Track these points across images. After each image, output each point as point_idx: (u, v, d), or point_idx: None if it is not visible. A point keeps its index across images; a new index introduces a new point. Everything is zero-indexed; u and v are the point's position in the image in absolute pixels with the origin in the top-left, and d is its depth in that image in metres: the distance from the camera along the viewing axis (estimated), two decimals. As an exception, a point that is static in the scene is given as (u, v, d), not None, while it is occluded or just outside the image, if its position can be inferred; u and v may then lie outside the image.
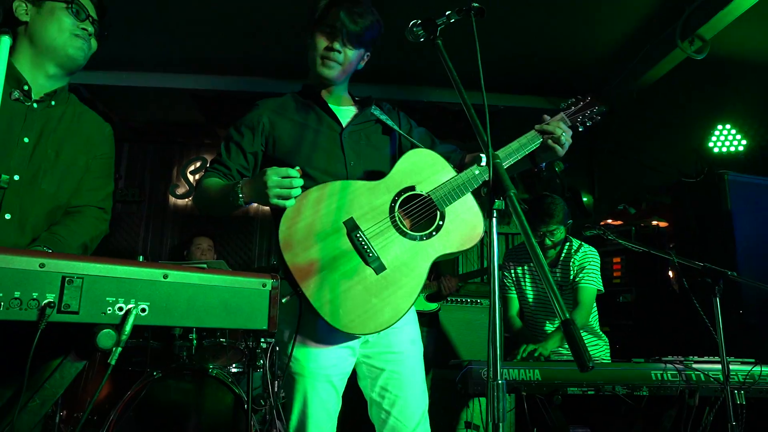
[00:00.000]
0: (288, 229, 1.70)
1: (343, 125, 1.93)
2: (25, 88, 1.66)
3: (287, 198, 1.61)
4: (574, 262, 3.15)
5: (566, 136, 1.89)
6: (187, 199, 6.10)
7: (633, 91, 4.56)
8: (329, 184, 1.76)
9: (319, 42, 1.86)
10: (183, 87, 4.91)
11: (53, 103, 1.73)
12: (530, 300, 3.27)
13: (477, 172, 1.81)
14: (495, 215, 1.25)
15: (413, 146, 1.93)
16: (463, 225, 1.82)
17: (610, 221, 6.53)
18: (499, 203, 1.25)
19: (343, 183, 1.78)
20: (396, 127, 2.00)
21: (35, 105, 1.68)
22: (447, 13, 1.61)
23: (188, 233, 5.84)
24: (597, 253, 3.19)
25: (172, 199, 6.09)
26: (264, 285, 1.23)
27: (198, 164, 6.15)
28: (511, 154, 1.87)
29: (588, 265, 3.13)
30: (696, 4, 3.56)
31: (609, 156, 5.67)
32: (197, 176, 6.12)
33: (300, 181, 1.60)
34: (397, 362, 1.83)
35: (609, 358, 3.12)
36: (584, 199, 5.69)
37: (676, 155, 4.95)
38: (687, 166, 4.81)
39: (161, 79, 4.86)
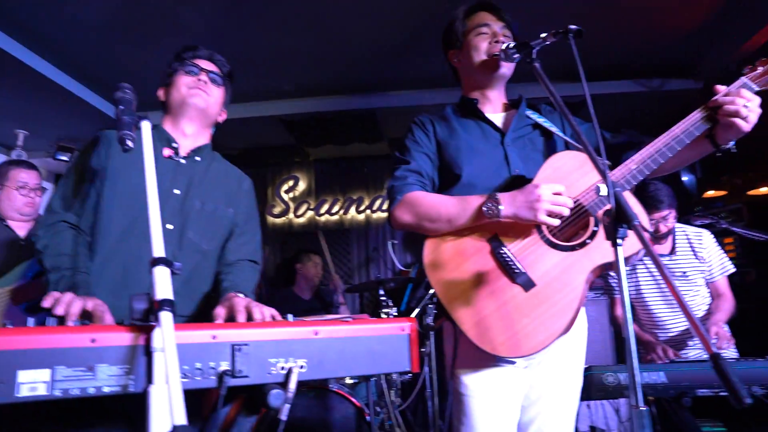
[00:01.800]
0: (433, 251, 1.73)
1: (504, 131, 1.89)
2: (174, 145, 1.87)
3: (558, 216, 1.57)
4: (696, 250, 3.04)
5: (752, 105, 1.56)
6: (283, 218, 6.38)
7: (731, 63, 4.29)
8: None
9: (480, 44, 1.88)
10: (273, 114, 5.16)
11: (198, 158, 1.91)
12: (643, 290, 3.14)
13: (633, 167, 1.65)
14: (620, 245, 1.25)
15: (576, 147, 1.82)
16: None
17: (712, 193, 6.19)
18: (622, 231, 1.25)
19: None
20: (554, 129, 1.89)
21: (183, 161, 1.88)
22: (542, 35, 1.58)
23: (288, 251, 6.12)
24: (712, 235, 3.09)
25: (270, 219, 6.40)
26: (403, 329, 1.30)
27: (291, 183, 6.43)
28: (672, 143, 1.65)
29: (714, 252, 3.02)
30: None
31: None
32: (288, 195, 6.39)
33: (570, 202, 1.55)
34: (562, 376, 1.77)
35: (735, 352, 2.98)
36: (684, 178, 5.42)
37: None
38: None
39: (253, 109, 5.12)
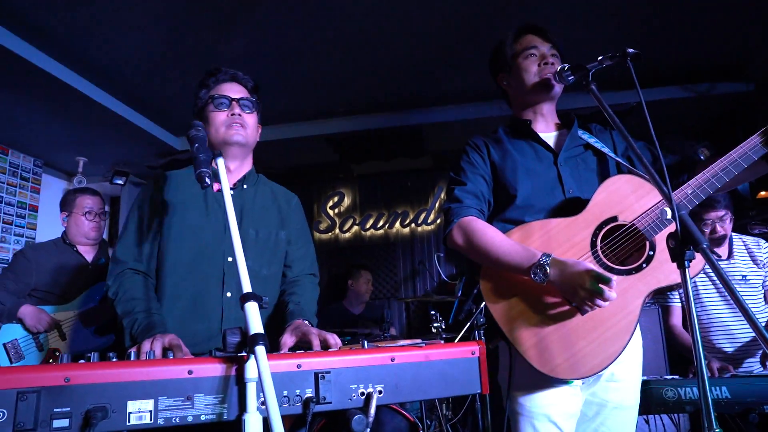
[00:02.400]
0: (490, 272, 1.77)
1: (556, 151, 1.91)
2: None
3: (594, 306, 1.58)
4: (755, 255, 2.99)
5: None
6: (330, 233, 6.50)
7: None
8: (527, 225, 1.77)
9: (530, 66, 1.92)
10: (317, 133, 5.29)
11: (245, 186, 1.97)
12: (704, 298, 3.06)
13: (689, 192, 1.66)
14: (688, 266, 1.27)
15: (630, 168, 1.84)
16: None
17: (764, 193, 6.00)
18: (690, 254, 1.27)
19: (541, 222, 1.77)
20: (606, 150, 1.91)
21: (231, 191, 1.87)
22: (599, 58, 1.59)
23: (336, 266, 6.22)
24: None
25: (317, 235, 6.52)
26: (473, 352, 1.34)
27: (336, 199, 6.54)
28: (729, 167, 1.65)
29: None
30: None
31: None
32: (333, 210, 6.50)
33: (614, 295, 1.54)
34: (620, 391, 1.77)
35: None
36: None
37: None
38: None
39: (297, 129, 5.26)
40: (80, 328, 3.12)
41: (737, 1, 3.71)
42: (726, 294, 2.94)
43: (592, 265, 1.61)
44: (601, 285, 1.53)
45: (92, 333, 3.11)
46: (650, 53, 4.22)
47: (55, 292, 3.18)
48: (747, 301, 2.89)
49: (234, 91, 1.95)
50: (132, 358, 1.17)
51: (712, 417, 1.17)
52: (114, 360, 1.07)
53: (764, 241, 3.05)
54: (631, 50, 1.51)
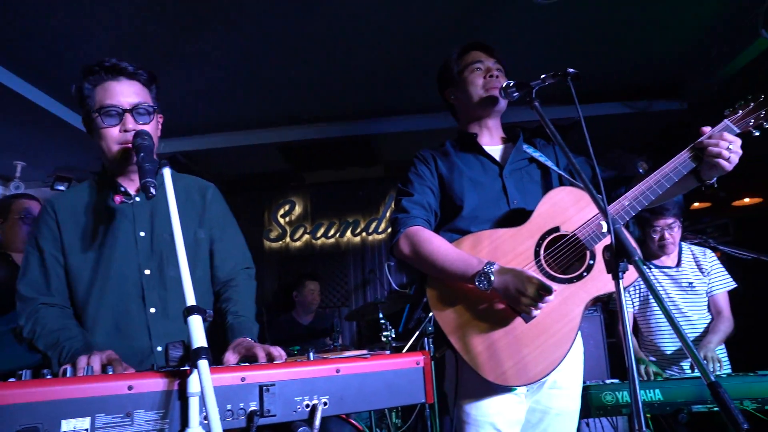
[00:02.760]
0: (436, 282, 1.80)
1: (502, 164, 1.97)
2: (122, 189, 1.76)
3: (534, 311, 1.64)
4: (701, 263, 3.14)
5: (734, 147, 1.66)
6: (280, 242, 6.44)
7: (713, 85, 4.44)
8: (473, 235, 1.81)
9: (476, 80, 1.98)
10: (270, 141, 5.25)
11: (153, 190, 1.72)
12: (652, 303, 3.20)
13: (626, 203, 1.74)
14: (621, 278, 1.33)
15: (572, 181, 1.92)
16: None
17: (697, 204, 6.32)
18: (623, 265, 1.33)
19: (487, 232, 1.81)
20: (549, 163, 1.98)
21: (137, 199, 1.76)
22: (542, 76, 1.67)
23: (286, 275, 6.16)
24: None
25: (267, 243, 6.44)
26: (418, 363, 1.36)
27: (287, 207, 6.49)
28: (662, 180, 1.73)
29: (717, 266, 3.13)
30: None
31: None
32: (284, 219, 6.46)
33: (551, 299, 1.61)
34: (562, 398, 1.82)
35: (729, 367, 3.06)
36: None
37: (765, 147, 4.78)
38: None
39: (250, 137, 5.20)
40: (11, 343, 2.97)
41: (674, 25, 3.92)
42: (673, 298, 3.10)
43: (535, 274, 1.66)
44: (541, 292, 1.58)
45: (26, 350, 2.97)
46: (592, 71, 4.41)
47: (-14, 304, 3.03)
48: (692, 307, 3.06)
49: (124, 93, 1.70)
50: (68, 375, 1.13)
51: (642, 418, 1.22)
52: (48, 377, 1.03)
53: (710, 251, 3.20)
54: (571, 70, 1.58)
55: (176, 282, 1.70)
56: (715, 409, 2.40)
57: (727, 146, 1.65)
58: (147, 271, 1.72)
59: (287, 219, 6.49)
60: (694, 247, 3.23)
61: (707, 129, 1.75)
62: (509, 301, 1.66)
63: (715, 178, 1.76)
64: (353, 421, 2.91)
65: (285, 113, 5.00)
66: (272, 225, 6.48)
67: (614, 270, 1.31)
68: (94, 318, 1.68)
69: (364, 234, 6.39)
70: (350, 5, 3.50)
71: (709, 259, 3.17)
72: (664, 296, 3.15)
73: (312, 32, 3.80)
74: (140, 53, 3.91)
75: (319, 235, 6.41)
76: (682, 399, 2.43)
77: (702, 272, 3.13)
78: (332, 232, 6.41)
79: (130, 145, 1.64)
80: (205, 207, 1.88)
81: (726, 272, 3.13)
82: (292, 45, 3.94)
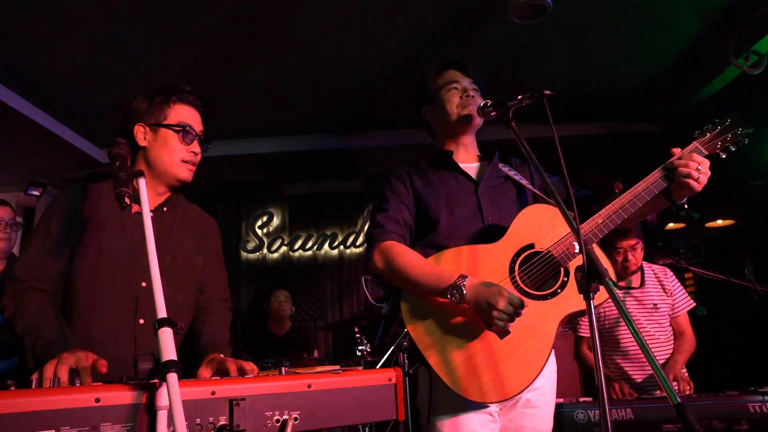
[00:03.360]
0: (410, 297, 1.80)
1: (477, 181, 1.99)
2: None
3: (506, 326, 1.64)
4: (664, 284, 3.17)
5: (703, 168, 1.71)
6: (257, 253, 6.39)
7: (687, 108, 4.56)
8: (444, 252, 1.81)
9: (452, 98, 2.00)
10: (248, 152, 5.23)
11: (165, 209, 1.90)
12: (623, 328, 3.19)
13: (600, 221, 1.76)
14: (592, 298, 1.35)
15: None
16: None
17: (671, 225, 6.44)
18: (594, 286, 1.35)
19: (463, 248, 1.81)
20: (525, 182, 2.00)
21: (150, 214, 1.76)
22: (519, 97, 1.67)
23: (262, 286, 6.11)
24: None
25: (243, 254, 6.40)
26: (390, 379, 1.36)
27: (265, 218, 6.46)
28: (634, 200, 1.77)
29: (678, 286, 3.17)
30: (746, 22, 3.57)
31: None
32: (262, 230, 6.42)
33: (523, 312, 1.63)
34: (535, 417, 1.82)
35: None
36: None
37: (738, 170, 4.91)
38: (749, 176, 4.75)
39: (228, 147, 5.18)
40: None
41: (649, 50, 4.03)
42: (639, 320, 3.11)
43: (508, 288, 1.67)
44: (512, 306, 1.60)
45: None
46: (570, 91, 4.50)
47: (-47, 310, 2.95)
48: (657, 327, 3.08)
49: (195, 118, 1.90)
50: (33, 386, 1.11)
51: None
52: (12, 388, 1.01)
53: (670, 270, 3.25)
54: (547, 92, 1.60)
55: (169, 300, 1.72)
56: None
57: (696, 167, 1.70)
58: (143, 284, 1.76)
59: (265, 230, 6.46)
60: (655, 267, 3.26)
61: (677, 150, 1.80)
62: (481, 314, 1.66)
63: (685, 199, 1.80)
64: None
65: (263, 124, 5.00)
66: (249, 236, 6.44)
67: (585, 290, 1.33)
68: (85, 316, 1.70)
69: (341, 247, 6.39)
70: (330, 21, 3.53)
71: (670, 278, 3.20)
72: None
73: (294, 46, 3.82)
74: (114, 61, 3.90)
75: (296, 247, 6.39)
76: (653, 418, 2.45)
77: (664, 291, 3.17)
78: (310, 244, 6.39)
79: (193, 167, 1.87)
80: (206, 238, 2.00)
81: (685, 291, 3.18)
82: (272, 58, 3.96)
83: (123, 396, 1.06)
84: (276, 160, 5.44)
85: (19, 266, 1.72)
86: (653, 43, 3.94)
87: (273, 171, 5.69)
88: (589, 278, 1.33)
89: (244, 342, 4.70)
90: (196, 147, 1.88)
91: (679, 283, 3.21)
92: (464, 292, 1.66)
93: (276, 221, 6.49)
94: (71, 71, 4.00)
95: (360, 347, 3.96)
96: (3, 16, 3.32)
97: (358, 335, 4.06)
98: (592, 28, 3.72)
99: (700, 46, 3.94)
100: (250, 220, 6.48)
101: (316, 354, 4.64)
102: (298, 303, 6.03)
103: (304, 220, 6.47)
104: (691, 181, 1.71)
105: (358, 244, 6.35)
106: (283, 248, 6.41)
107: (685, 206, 1.83)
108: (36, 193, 5.51)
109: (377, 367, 3.24)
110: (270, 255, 6.41)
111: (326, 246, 6.39)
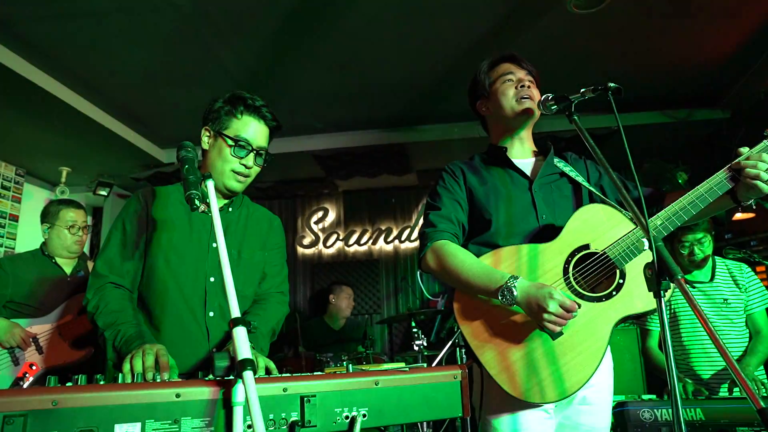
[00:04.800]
0: (462, 296, 1.80)
1: (531, 178, 1.95)
2: (208, 200, 1.91)
3: (558, 329, 1.61)
4: (737, 279, 3.04)
5: None
6: (313, 248, 6.50)
7: (761, 92, 4.33)
8: (501, 251, 1.80)
9: (507, 90, 1.96)
10: (304, 149, 5.32)
11: (230, 209, 2.00)
12: (688, 323, 3.10)
13: (659, 223, 1.71)
14: (663, 297, 1.31)
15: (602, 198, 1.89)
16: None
17: (739, 215, 6.13)
18: (665, 284, 1.31)
19: (516, 248, 1.80)
20: (580, 179, 1.95)
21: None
22: (582, 90, 1.63)
23: (319, 281, 6.22)
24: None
25: (300, 249, 6.52)
26: (455, 376, 1.37)
27: (320, 214, 6.56)
28: (696, 201, 1.69)
29: (755, 281, 3.03)
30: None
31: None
32: (317, 226, 6.51)
33: (575, 315, 1.60)
34: (591, 414, 1.79)
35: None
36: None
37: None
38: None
39: (285, 145, 5.29)
40: (57, 341, 3.09)
41: (716, 35, 3.84)
42: (711, 317, 2.99)
43: (560, 290, 1.65)
44: (564, 309, 1.57)
45: (70, 346, 3.08)
46: (630, 79, 4.34)
47: (31, 305, 3.14)
48: (728, 324, 2.96)
49: (257, 133, 1.92)
50: (119, 381, 1.17)
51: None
52: (101, 383, 1.07)
53: (746, 266, 3.11)
54: (612, 84, 1.55)
55: (238, 294, 1.82)
56: (763, 431, 2.32)
57: (766, 168, 1.61)
58: (212, 279, 1.86)
59: (320, 225, 6.56)
60: (729, 262, 3.13)
61: (744, 150, 1.70)
62: (532, 316, 1.64)
63: (752, 200, 1.71)
64: (385, 432, 2.93)
65: (319, 121, 5.07)
66: (305, 231, 6.55)
67: (656, 288, 1.30)
68: (159, 313, 1.83)
69: (396, 242, 6.41)
70: (385, 16, 3.54)
71: (747, 274, 3.06)
72: (693, 323, 3.07)
73: (347, 43, 3.85)
74: (177, 63, 4.02)
75: (351, 242, 6.46)
76: (725, 420, 2.35)
77: (738, 286, 3.03)
78: (365, 239, 6.45)
79: (244, 178, 1.92)
80: (269, 234, 2.09)
81: (763, 287, 3.03)
82: (326, 54, 4.00)
83: (201, 392, 1.11)
84: (331, 156, 5.51)
85: (100, 263, 1.84)
86: (720, 25, 3.75)
87: (328, 167, 5.76)
88: (660, 275, 1.30)
89: (302, 334, 4.79)
90: (249, 161, 1.91)
91: (756, 279, 3.06)
92: (515, 293, 1.64)
93: (331, 216, 6.58)
94: (134, 73, 4.16)
95: (417, 342, 3.98)
96: (70, 23, 3.48)
97: (415, 330, 4.08)
98: (653, 12, 3.57)
99: (771, 26, 3.73)
100: (306, 216, 6.59)
101: (373, 348, 4.69)
102: (356, 298, 6.11)
103: (359, 215, 6.54)
104: (759, 183, 1.62)
105: (413, 238, 6.36)
106: (339, 243, 6.50)
107: (753, 207, 1.75)
108: (104, 193, 5.79)
109: (435, 363, 3.25)
110: (325, 250, 6.51)
111: (381, 241, 6.44)
